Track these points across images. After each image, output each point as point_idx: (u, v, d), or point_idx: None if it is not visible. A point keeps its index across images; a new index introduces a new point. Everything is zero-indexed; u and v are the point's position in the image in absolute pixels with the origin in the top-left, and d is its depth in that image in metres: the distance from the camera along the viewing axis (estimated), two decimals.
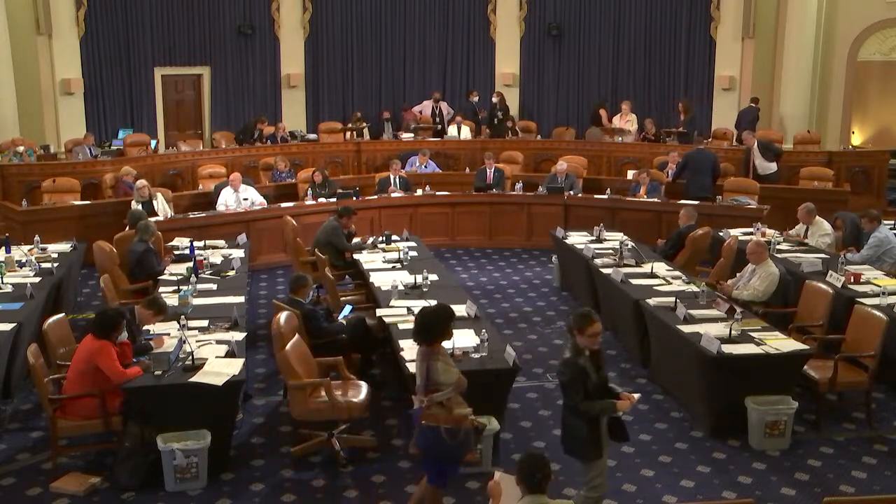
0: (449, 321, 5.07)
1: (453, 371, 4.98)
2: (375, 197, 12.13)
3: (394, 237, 9.82)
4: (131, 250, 8.57)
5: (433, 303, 6.94)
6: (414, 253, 9.16)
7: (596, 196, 12.08)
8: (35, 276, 8.29)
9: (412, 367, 5.92)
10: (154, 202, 10.98)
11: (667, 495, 5.61)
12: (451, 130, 15.60)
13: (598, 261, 8.85)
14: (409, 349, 6.23)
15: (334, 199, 11.55)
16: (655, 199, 11.70)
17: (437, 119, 15.91)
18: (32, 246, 9.38)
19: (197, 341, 6.36)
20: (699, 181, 12.09)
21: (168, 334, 6.45)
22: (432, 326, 5.01)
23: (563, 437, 4.98)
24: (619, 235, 9.90)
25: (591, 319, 4.78)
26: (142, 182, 11.14)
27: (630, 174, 13.10)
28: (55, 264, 8.70)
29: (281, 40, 16.43)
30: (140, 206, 10.73)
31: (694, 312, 7.00)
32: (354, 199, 11.64)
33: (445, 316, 5.09)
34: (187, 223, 10.73)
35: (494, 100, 15.87)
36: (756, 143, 12.82)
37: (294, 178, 12.85)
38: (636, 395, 4.87)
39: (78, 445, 6.09)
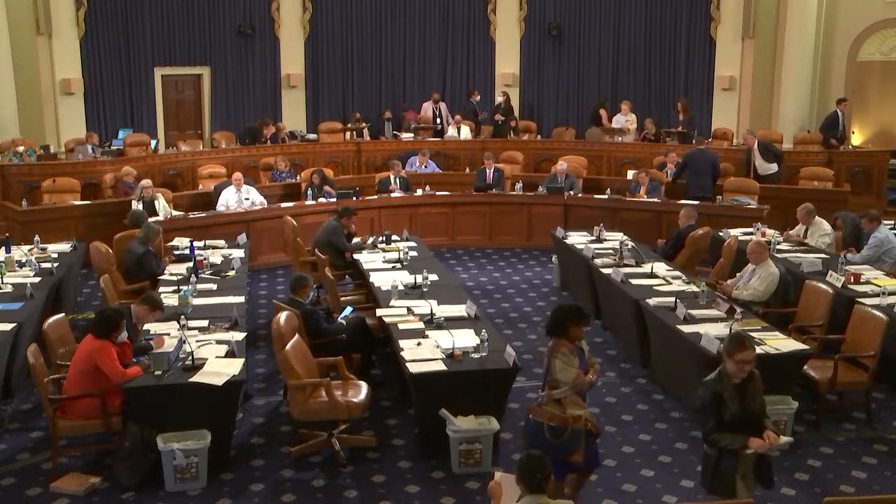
0: (568, 321, 4.95)
1: (571, 370, 4.87)
2: (375, 197, 12.13)
3: (394, 237, 9.82)
4: (129, 250, 8.55)
5: (429, 300, 6.98)
6: (414, 253, 9.16)
7: (596, 196, 12.08)
8: (35, 276, 8.29)
9: (412, 368, 5.95)
10: (156, 203, 10.99)
11: (667, 495, 5.61)
12: (451, 130, 15.61)
13: (598, 261, 8.85)
14: (408, 349, 6.25)
15: (334, 199, 11.56)
16: (656, 199, 11.70)
17: (437, 120, 15.93)
18: (32, 246, 9.37)
19: (197, 341, 6.36)
20: (699, 181, 12.08)
21: (168, 334, 6.44)
22: (554, 321, 5.01)
23: (702, 464, 4.75)
24: (619, 235, 9.90)
25: (745, 345, 4.46)
26: (147, 182, 11.16)
27: (630, 174, 13.09)
28: (55, 264, 8.69)
29: (281, 40, 16.44)
30: (140, 206, 10.77)
31: (694, 312, 7.00)
32: (354, 199, 11.64)
33: (565, 314, 5.00)
34: (187, 223, 10.72)
35: (500, 99, 15.91)
36: (756, 144, 12.82)
37: (294, 178, 12.86)
38: (784, 439, 4.54)
39: (78, 445, 6.09)
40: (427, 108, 16.19)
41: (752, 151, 12.82)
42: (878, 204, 12.89)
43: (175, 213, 11.23)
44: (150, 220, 9.99)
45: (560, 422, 4.82)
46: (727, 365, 4.48)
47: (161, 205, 11.05)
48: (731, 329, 6.47)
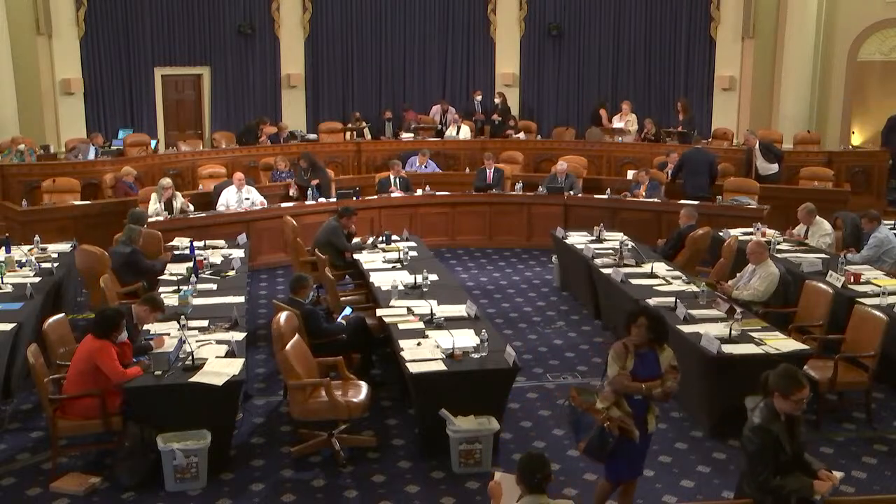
0: (630, 319, 4.89)
1: (614, 367, 4.84)
2: (375, 197, 12.14)
3: (394, 237, 9.82)
4: (116, 252, 8.50)
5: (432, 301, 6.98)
6: (414, 253, 9.16)
7: (596, 196, 12.08)
8: (35, 276, 8.29)
9: (412, 368, 5.95)
10: (174, 202, 11.04)
11: (667, 495, 5.61)
12: (450, 130, 15.62)
13: (598, 261, 8.85)
14: (408, 349, 6.25)
15: (333, 199, 11.57)
16: (655, 199, 11.71)
17: (442, 123, 15.95)
18: (32, 246, 9.38)
19: (197, 341, 6.36)
20: (696, 181, 12.12)
21: (168, 334, 6.44)
22: (625, 319, 4.98)
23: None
24: (619, 235, 9.90)
25: (801, 384, 4.10)
26: (168, 182, 11.13)
27: (630, 174, 13.10)
28: (55, 264, 8.70)
29: (281, 40, 16.45)
30: (162, 206, 10.87)
31: (694, 312, 7.00)
32: (354, 199, 11.64)
33: (629, 313, 4.98)
34: (187, 223, 10.72)
35: (497, 100, 15.92)
36: (757, 144, 12.82)
37: (294, 178, 12.86)
38: (838, 475, 4.22)
39: (78, 445, 6.09)
40: (436, 112, 16.21)
41: (752, 151, 12.81)
42: (878, 204, 12.89)
43: (191, 208, 11.23)
44: (150, 219, 10.05)
45: (578, 404, 4.82)
46: (781, 404, 4.10)
47: (178, 204, 11.08)
48: (731, 329, 6.48)
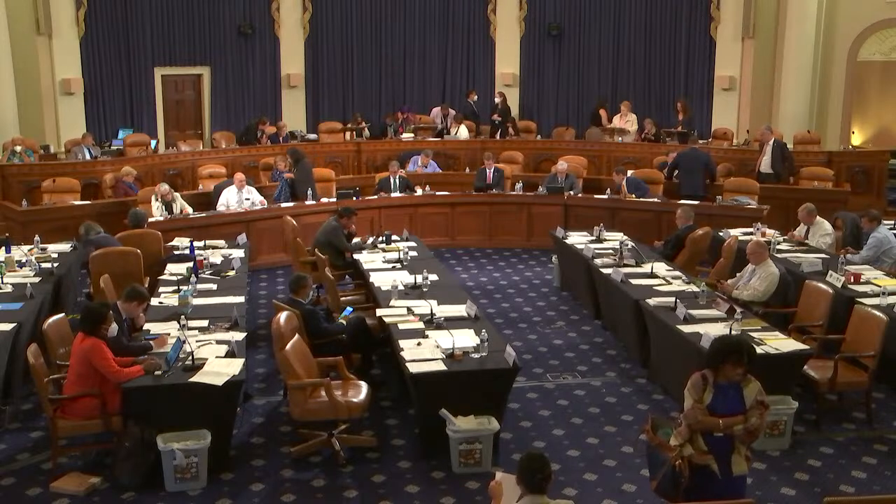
0: (726, 358, 4.47)
1: (689, 400, 4.54)
2: (375, 197, 12.14)
3: (394, 237, 9.82)
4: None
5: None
6: (414, 253, 9.16)
7: (596, 196, 12.08)
8: (35, 276, 8.28)
9: (412, 368, 5.95)
10: (173, 205, 11.06)
11: None
12: (454, 130, 15.60)
13: (598, 261, 8.85)
14: (408, 349, 6.25)
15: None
16: (655, 199, 11.70)
17: (443, 126, 15.95)
18: (32, 246, 9.37)
19: (197, 341, 6.36)
20: (691, 181, 12.14)
21: (168, 334, 6.45)
22: (712, 353, 4.64)
23: None
24: (619, 235, 9.90)
25: None
26: (165, 188, 11.10)
27: (630, 173, 13.07)
28: (55, 264, 8.70)
29: (281, 40, 16.46)
30: (164, 209, 10.89)
31: (694, 312, 7.00)
32: (354, 199, 11.64)
33: (725, 350, 4.55)
34: (187, 223, 10.72)
35: (497, 100, 15.92)
36: (773, 142, 12.70)
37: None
38: None
39: (78, 445, 6.09)
40: (436, 115, 16.19)
41: (764, 147, 12.71)
42: (878, 204, 12.88)
43: (190, 210, 11.26)
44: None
45: (650, 440, 4.68)
46: None
47: (179, 204, 11.11)
48: (731, 329, 6.47)
